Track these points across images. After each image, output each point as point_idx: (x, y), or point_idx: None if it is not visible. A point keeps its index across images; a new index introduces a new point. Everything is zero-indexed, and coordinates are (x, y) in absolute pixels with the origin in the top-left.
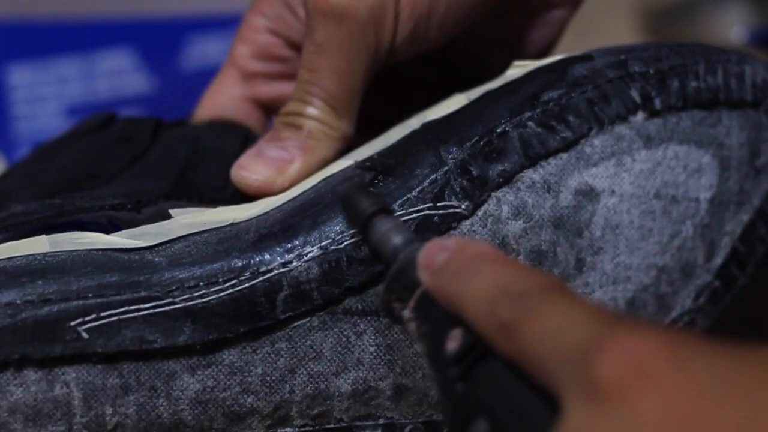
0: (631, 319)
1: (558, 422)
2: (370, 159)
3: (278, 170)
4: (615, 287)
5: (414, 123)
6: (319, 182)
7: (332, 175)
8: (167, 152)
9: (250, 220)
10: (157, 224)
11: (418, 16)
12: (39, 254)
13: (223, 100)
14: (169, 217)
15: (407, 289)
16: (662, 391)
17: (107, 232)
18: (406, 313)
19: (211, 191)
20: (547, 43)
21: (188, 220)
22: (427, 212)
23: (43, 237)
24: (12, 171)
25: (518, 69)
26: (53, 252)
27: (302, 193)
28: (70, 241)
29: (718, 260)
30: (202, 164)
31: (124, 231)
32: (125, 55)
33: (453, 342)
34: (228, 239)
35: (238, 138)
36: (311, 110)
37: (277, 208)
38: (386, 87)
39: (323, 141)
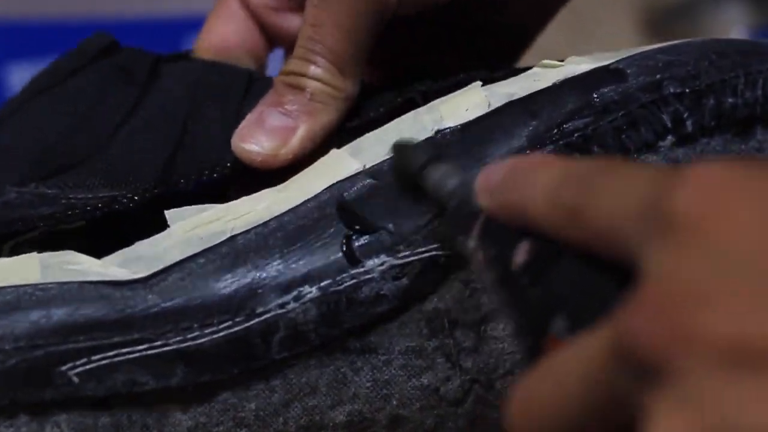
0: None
1: (637, 280)
2: (379, 173)
3: (281, 140)
4: None
5: (427, 122)
6: (324, 191)
7: (338, 184)
8: (166, 101)
9: (249, 234)
10: (151, 241)
11: None
12: (29, 287)
13: (227, 26)
14: (165, 222)
15: (469, 220)
16: (740, 212)
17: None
18: (471, 244)
19: (212, 159)
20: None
21: (184, 234)
22: (434, 253)
23: (35, 258)
24: (7, 115)
25: (545, 71)
26: (44, 284)
27: (305, 204)
28: (62, 267)
29: None
30: (203, 120)
31: (118, 254)
32: None
33: (521, 255)
34: (224, 270)
35: (242, 81)
36: (314, 70)
37: (277, 218)
38: (404, 33)
39: (327, 104)
